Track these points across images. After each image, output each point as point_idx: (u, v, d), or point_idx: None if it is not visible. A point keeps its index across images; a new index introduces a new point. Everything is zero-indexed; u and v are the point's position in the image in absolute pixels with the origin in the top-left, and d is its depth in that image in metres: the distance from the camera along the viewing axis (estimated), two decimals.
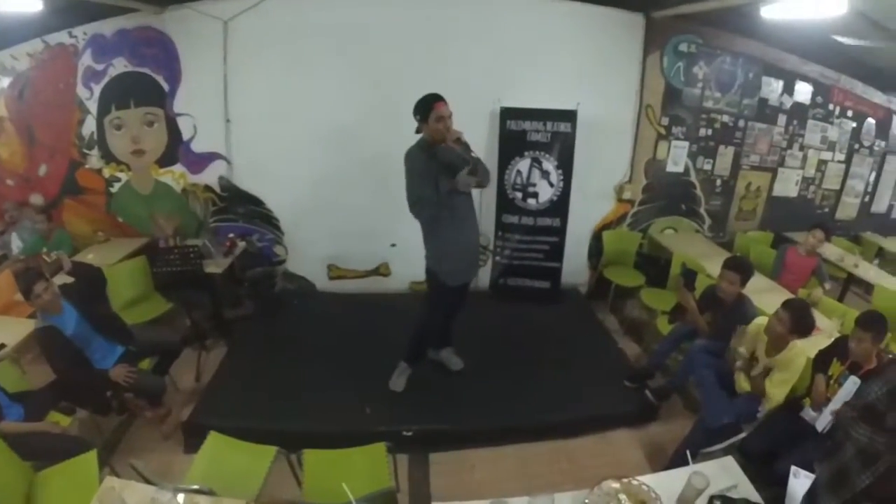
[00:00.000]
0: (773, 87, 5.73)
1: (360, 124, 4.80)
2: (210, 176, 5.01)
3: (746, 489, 2.22)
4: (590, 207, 5.58)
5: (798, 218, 6.12)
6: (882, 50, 4.95)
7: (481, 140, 4.91)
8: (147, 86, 4.69)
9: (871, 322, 2.86)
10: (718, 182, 5.93)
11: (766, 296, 4.05)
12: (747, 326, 3.35)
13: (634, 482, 2.15)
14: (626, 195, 5.62)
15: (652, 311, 4.84)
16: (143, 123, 4.80)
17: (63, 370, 3.08)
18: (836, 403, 2.83)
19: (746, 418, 3.21)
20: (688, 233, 5.99)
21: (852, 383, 2.77)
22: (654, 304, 4.78)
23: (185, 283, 4.36)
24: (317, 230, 5.24)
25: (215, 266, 4.48)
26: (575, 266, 5.67)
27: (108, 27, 4.56)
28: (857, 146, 6.51)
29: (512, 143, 5.08)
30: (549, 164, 5.11)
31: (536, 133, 5.04)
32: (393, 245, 5.23)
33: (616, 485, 2.13)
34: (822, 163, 6.36)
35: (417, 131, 3.21)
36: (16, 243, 4.56)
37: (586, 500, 2.07)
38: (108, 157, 4.90)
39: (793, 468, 2.60)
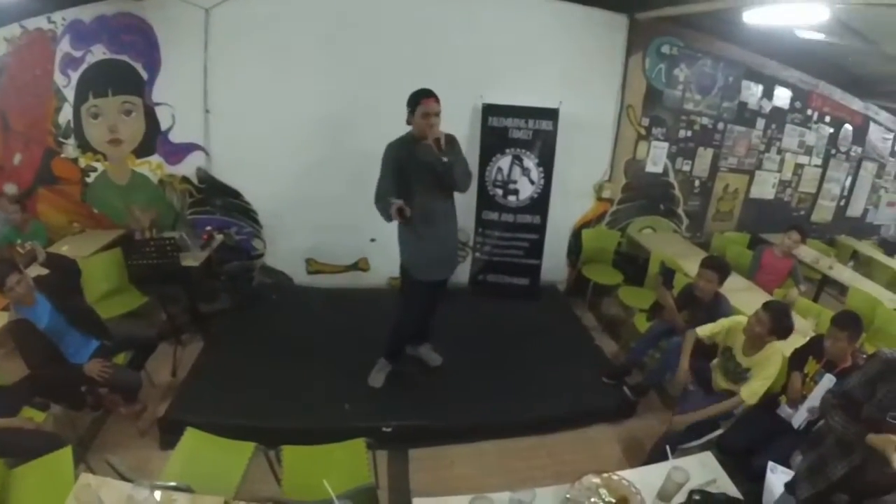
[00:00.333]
0: (752, 91, 5.82)
1: (340, 117, 4.76)
2: (188, 167, 4.92)
3: (725, 484, 2.25)
4: (569, 205, 5.62)
5: (774, 220, 6.23)
6: (861, 57, 5.04)
7: (462, 136, 4.84)
8: (126, 74, 4.59)
9: (848, 322, 2.94)
10: (697, 183, 6.01)
11: (742, 295, 4.12)
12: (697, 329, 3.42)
13: (615, 477, 2.17)
14: (606, 194, 5.66)
15: (629, 309, 4.90)
16: (120, 112, 4.69)
17: (37, 365, 2.99)
18: (811, 401, 2.90)
19: (724, 415, 3.25)
20: (666, 232, 6.06)
21: (828, 381, 2.84)
22: (632, 302, 4.83)
23: (161, 276, 4.27)
24: (296, 224, 5.18)
25: (192, 259, 4.40)
26: (554, 263, 5.69)
27: (87, 13, 4.44)
28: (833, 151, 6.64)
29: (493, 139, 5.09)
30: (530, 162, 5.13)
31: (518, 130, 5.06)
32: (373, 240, 5.19)
33: (597, 480, 2.15)
34: (798, 166, 6.48)
35: (408, 122, 3.22)
36: None
37: (567, 496, 2.08)
38: (84, 146, 4.78)
39: (770, 464, 2.65)
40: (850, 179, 7.02)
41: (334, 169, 4.89)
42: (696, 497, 2.07)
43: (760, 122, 5.99)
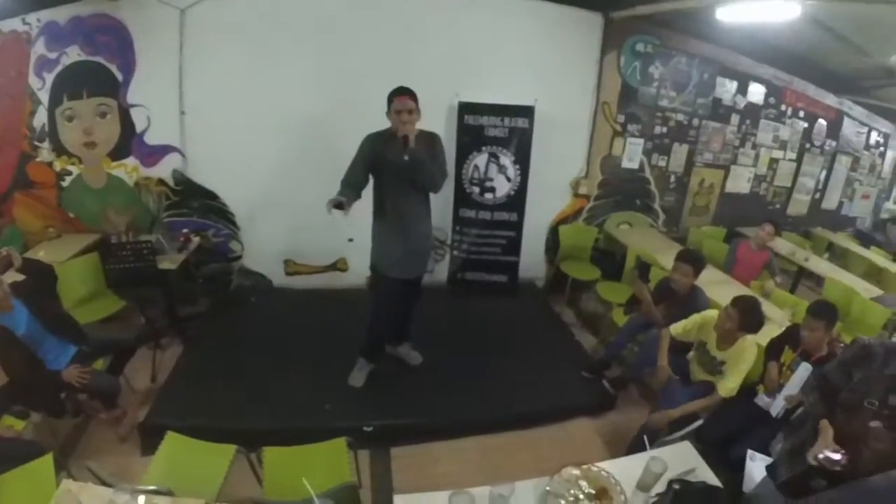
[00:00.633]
0: (727, 88, 5.91)
1: (317, 117, 4.75)
2: (164, 169, 4.85)
3: (704, 473, 2.28)
4: (547, 202, 5.66)
5: (750, 214, 6.35)
6: (833, 53, 5.13)
7: (438, 134, 4.92)
8: (100, 75, 4.52)
9: (823, 311, 3.00)
10: (673, 178, 6.09)
11: (718, 288, 4.19)
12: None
13: (594, 468, 2.20)
14: (583, 190, 5.71)
15: (607, 303, 4.94)
16: (95, 114, 4.62)
17: (16, 372, 2.95)
18: (788, 389, 2.97)
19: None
20: (642, 227, 6.13)
21: (804, 369, 2.91)
22: (610, 296, 4.87)
23: (139, 279, 4.22)
24: (273, 225, 5.15)
25: (169, 262, 4.34)
26: (532, 260, 5.73)
27: (62, 14, 4.36)
28: (808, 145, 6.78)
29: (469, 137, 5.12)
30: (507, 159, 5.16)
31: (494, 128, 5.08)
32: (350, 240, 5.11)
33: (576, 472, 2.18)
34: (773, 161, 6.60)
35: (388, 117, 3.27)
36: None
37: (547, 488, 2.10)
38: (59, 149, 4.70)
39: (749, 452, 2.70)
40: (824, 173, 7.17)
41: (311, 169, 4.82)
42: (676, 486, 2.08)
43: (735, 118, 6.09)
